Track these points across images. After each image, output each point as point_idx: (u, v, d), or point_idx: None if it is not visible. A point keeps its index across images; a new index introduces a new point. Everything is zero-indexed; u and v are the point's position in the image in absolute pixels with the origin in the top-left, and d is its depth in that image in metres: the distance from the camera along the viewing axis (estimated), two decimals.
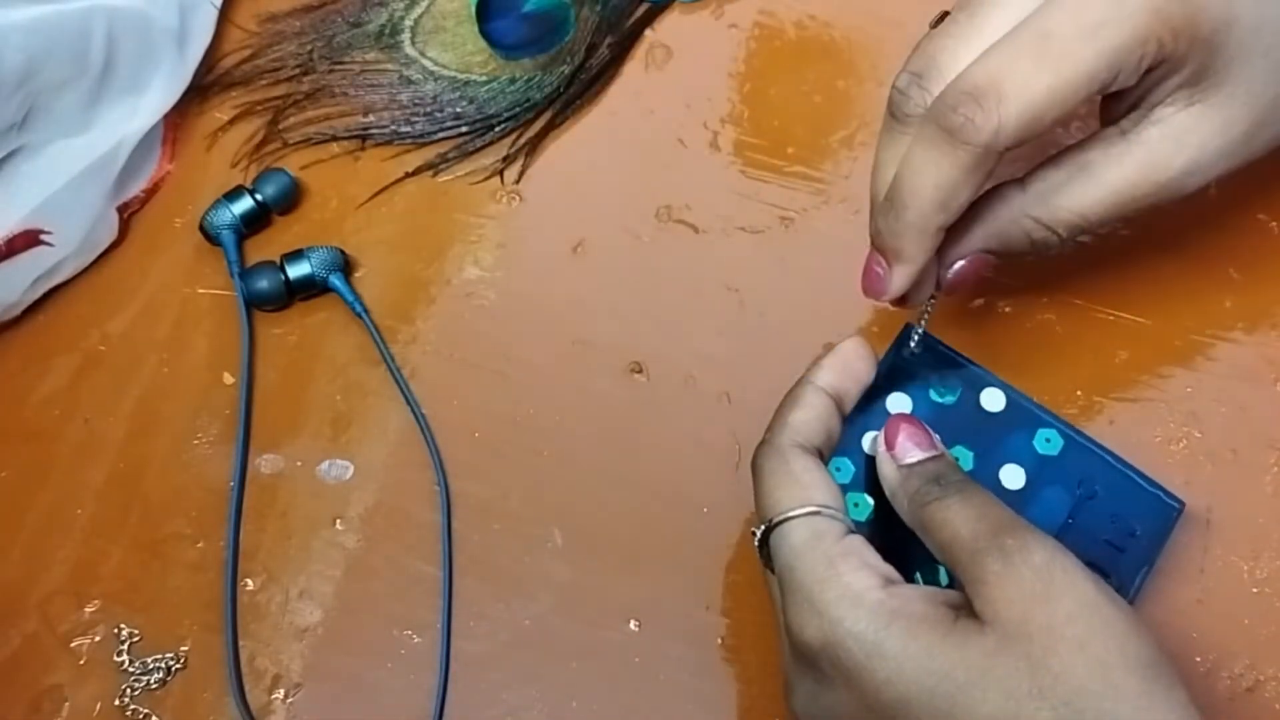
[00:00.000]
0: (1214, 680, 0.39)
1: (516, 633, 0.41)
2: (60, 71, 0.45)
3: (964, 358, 0.39)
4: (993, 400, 0.39)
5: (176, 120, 0.50)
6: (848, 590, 0.31)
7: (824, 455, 0.36)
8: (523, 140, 0.50)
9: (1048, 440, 0.38)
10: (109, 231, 0.48)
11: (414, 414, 0.44)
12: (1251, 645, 0.39)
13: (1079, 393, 0.43)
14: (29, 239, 0.45)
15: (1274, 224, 0.46)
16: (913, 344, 0.39)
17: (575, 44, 0.51)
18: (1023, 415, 0.39)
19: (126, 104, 0.48)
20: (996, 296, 0.45)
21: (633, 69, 0.51)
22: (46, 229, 0.45)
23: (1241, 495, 0.41)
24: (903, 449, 0.35)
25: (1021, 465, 0.38)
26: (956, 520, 0.32)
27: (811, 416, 0.35)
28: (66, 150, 0.46)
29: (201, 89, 0.51)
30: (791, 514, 0.33)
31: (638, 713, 0.40)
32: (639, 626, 0.41)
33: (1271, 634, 0.40)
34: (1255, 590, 0.40)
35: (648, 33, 0.52)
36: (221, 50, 0.52)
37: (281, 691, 0.41)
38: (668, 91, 0.51)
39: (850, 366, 0.37)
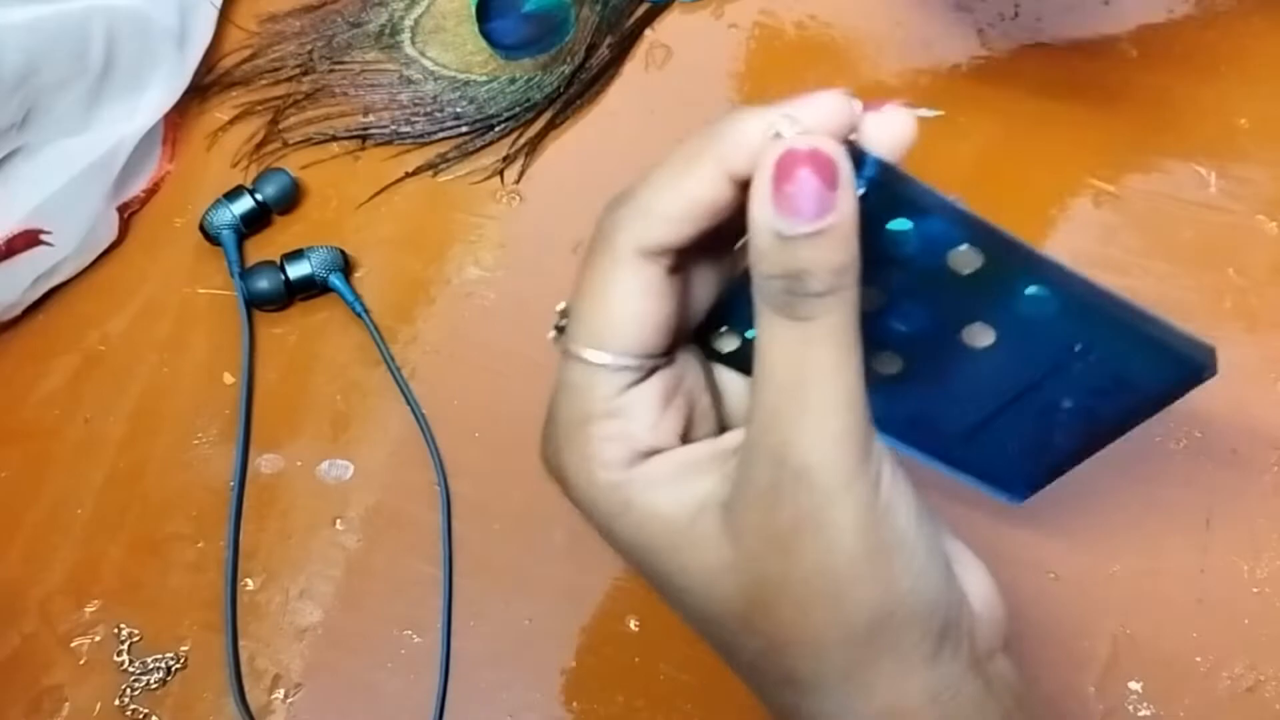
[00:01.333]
0: (1214, 680, 0.39)
1: (517, 632, 0.41)
2: (60, 71, 0.45)
3: (934, 193, 0.28)
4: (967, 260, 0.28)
5: (176, 120, 0.50)
6: (588, 460, 0.27)
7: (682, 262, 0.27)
8: (523, 140, 0.50)
9: (1037, 299, 0.28)
10: (109, 231, 0.48)
11: (414, 414, 0.44)
12: (1252, 645, 0.39)
13: None
14: (29, 239, 0.45)
15: (1273, 224, 0.46)
16: (862, 179, 0.26)
17: (575, 44, 0.51)
18: (1003, 268, 0.28)
19: (126, 104, 0.48)
20: None
21: (633, 69, 0.51)
22: (46, 229, 0.45)
23: (1241, 495, 0.41)
24: (791, 202, 0.24)
25: (993, 325, 0.28)
26: (772, 362, 0.25)
27: (696, 198, 0.26)
28: (66, 150, 0.46)
29: (201, 89, 0.51)
30: (579, 352, 0.27)
31: (638, 713, 0.40)
32: (639, 626, 0.41)
33: (1272, 634, 0.39)
34: (1255, 590, 0.40)
35: (648, 33, 0.52)
36: (221, 50, 0.52)
37: (281, 691, 0.40)
38: (668, 91, 0.50)
39: (824, 119, 0.26)
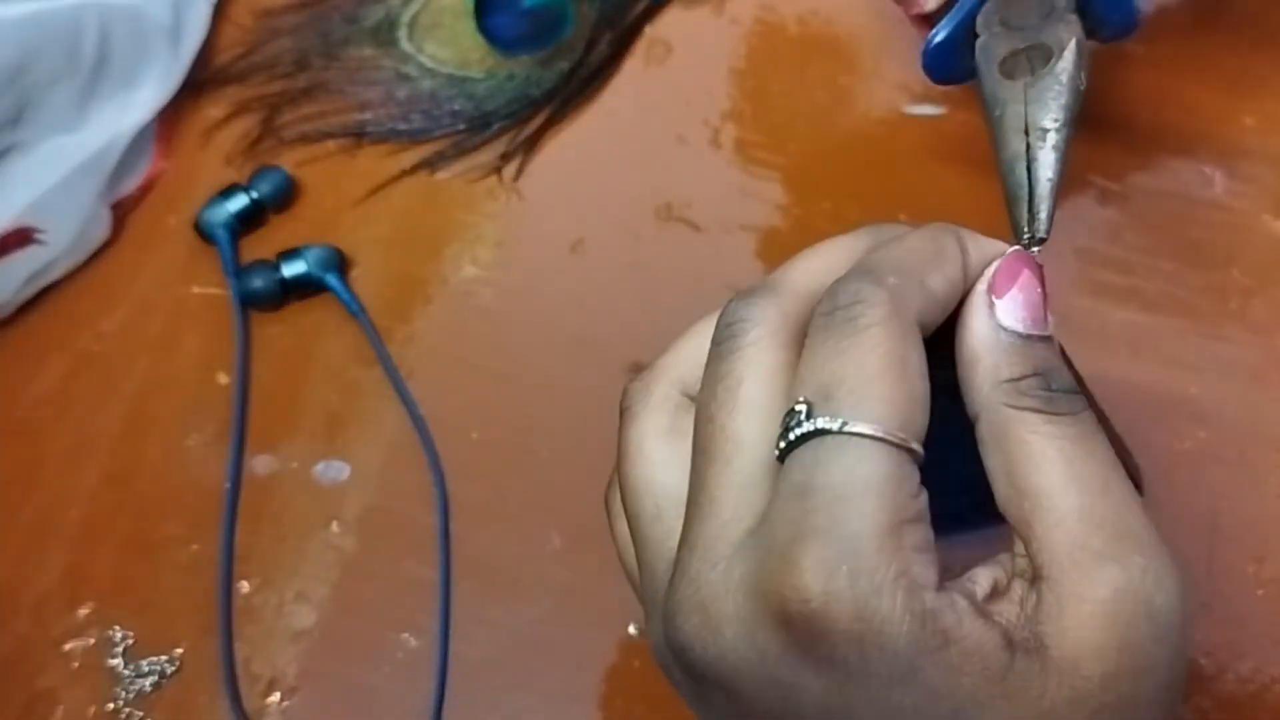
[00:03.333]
0: (1220, 682, 0.39)
1: (515, 636, 0.41)
2: (52, 68, 0.45)
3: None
4: None
5: (170, 117, 0.50)
6: (903, 576, 0.22)
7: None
8: (521, 137, 0.49)
9: None
10: (102, 230, 0.47)
11: (411, 415, 0.44)
12: (1258, 647, 0.39)
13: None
14: (21, 237, 0.45)
15: (1279, 224, 0.46)
16: None
17: (574, 40, 0.51)
18: None
19: (119, 101, 0.47)
20: None
21: (632, 65, 0.51)
22: (39, 227, 0.45)
23: (1248, 497, 0.41)
24: (1011, 305, 0.25)
25: None
26: (1057, 469, 0.23)
27: (958, 283, 0.26)
28: (59, 148, 0.46)
29: (196, 85, 0.50)
30: (877, 433, 0.22)
31: (638, 718, 0.39)
32: (639, 630, 0.41)
33: (1278, 636, 0.39)
34: (1261, 592, 0.40)
35: (647, 28, 0.52)
36: (216, 46, 0.52)
37: (277, 695, 0.40)
38: (668, 88, 0.50)
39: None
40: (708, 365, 0.26)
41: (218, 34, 0.52)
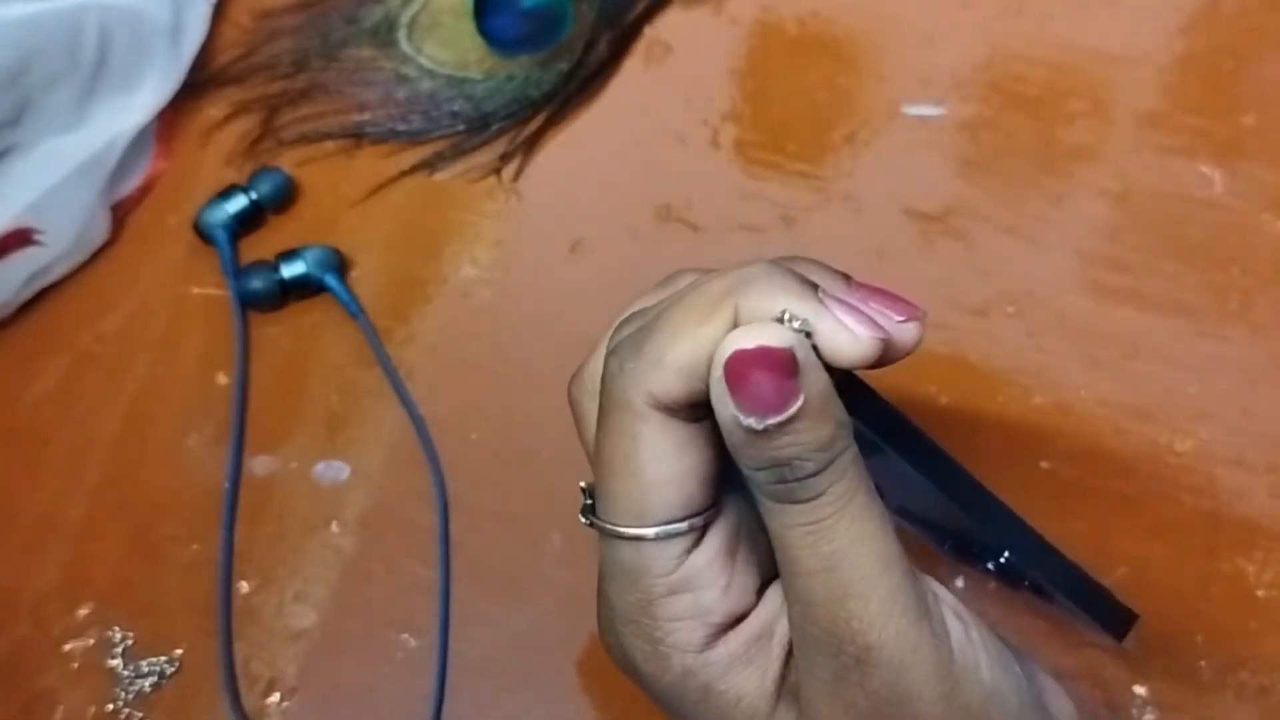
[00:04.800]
0: (1220, 685, 0.38)
1: (515, 637, 0.41)
2: (52, 68, 0.45)
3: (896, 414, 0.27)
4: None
5: (170, 118, 0.50)
6: (659, 644, 0.25)
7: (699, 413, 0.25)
8: (520, 138, 0.49)
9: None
10: (101, 230, 0.47)
11: (410, 415, 0.44)
12: (1258, 649, 0.39)
13: (1083, 393, 0.43)
14: (21, 238, 0.45)
15: (1279, 224, 0.46)
16: None
17: (573, 41, 0.51)
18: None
19: (119, 101, 0.47)
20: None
21: (632, 66, 0.51)
22: (38, 228, 0.45)
23: (1248, 498, 0.41)
24: (744, 400, 0.23)
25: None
26: (797, 555, 0.24)
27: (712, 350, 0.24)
28: (58, 148, 0.46)
29: (195, 86, 0.50)
30: (620, 530, 0.25)
31: (637, 718, 0.39)
32: None
33: (1278, 636, 0.39)
34: (1261, 593, 0.40)
35: (647, 29, 0.51)
36: (216, 47, 0.51)
37: (277, 696, 0.40)
38: (667, 88, 0.50)
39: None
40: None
41: (218, 34, 0.52)
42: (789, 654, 0.25)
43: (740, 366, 0.23)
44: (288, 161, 0.49)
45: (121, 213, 0.48)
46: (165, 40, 0.48)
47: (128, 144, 0.47)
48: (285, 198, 0.48)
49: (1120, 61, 0.49)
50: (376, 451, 0.44)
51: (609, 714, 0.40)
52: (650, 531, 0.24)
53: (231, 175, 0.49)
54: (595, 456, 0.26)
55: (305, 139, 0.50)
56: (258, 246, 0.47)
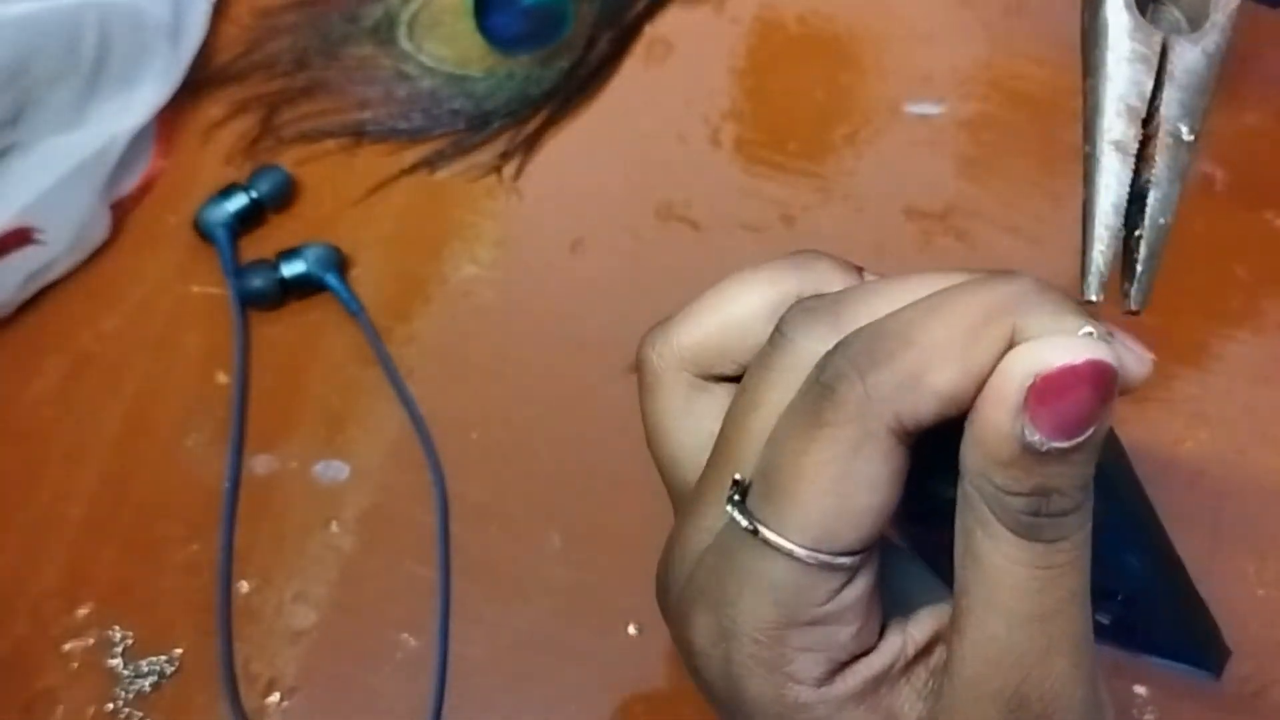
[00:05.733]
0: (1221, 684, 0.38)
1: (514, 636, 0.41)
2: (52, 67, 0.45)
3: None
4: None
5: (170, 116, 0.50)
6: (777, 671, 0.23)
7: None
8: (521, 136, 0.49)
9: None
10: (101, 229, 0.47)
11: (410, 414, 0.44)
12: (1259, 648, 0.39)
13: None
14: (20, 237, 0.45)
15: None
16: None
17: (574, 39, 0.51)
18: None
19: (119, 100, 0.47)
20: None
21: (632, 64, 0.51)
22: (38, 227, 0.45)
23: (1249, 496, 0.41)
24: (1047, 415, 0.21)
25: None
26: (1005, 596, 0.22)
27: (983, 375, 0.22)
28: (58, 147, 0.46)
29: (195, 84, 0.50)
30: (797, 549, 0.22)
31: (637, 719, 0.39)
32: (639, 630, 0.40)
33: (1278, 636, 0.39)
34: (1262, 592, 0.40)
35: (647, 27, 0.51)
36: (216, 45, 0.51)
37: (276, 695, 0.40)
38: (668, 87, 0.50)
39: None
40: (752, 361, 0.25)
41: (217, 33, 0.51)
42: (902, 698, 0.24)
43: (1060, 384, 0.21)
44: (288, 160, 0.49)
45: (121, 212, 0.48)
46: (165, 39, 0.48)
47: (127, 143, 0.47)
48: (285, 196, 0.48)
49: None
50: (376, 451, 0.44)
51: (610, 713, 0.40)
52: (830, 559, 0.22)
53: (231, 174, 0.49)
54: (778, 458, 0.22)
55: (305, 137, 0.50)
56: (258, 245, 0.47)
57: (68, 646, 0.41)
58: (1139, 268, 0.23)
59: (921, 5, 0.51)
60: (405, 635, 0.41)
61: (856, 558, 0.22)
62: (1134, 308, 0.24)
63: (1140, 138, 0.22)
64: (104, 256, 0.48)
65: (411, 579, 0.41)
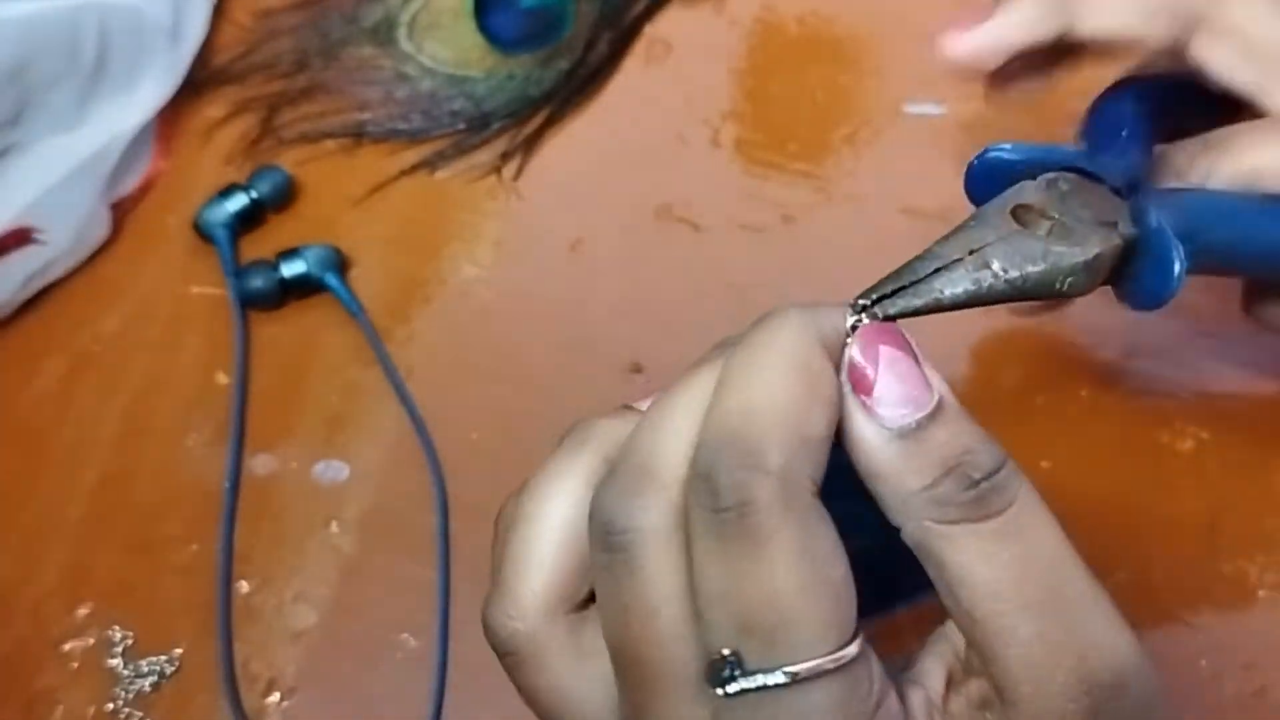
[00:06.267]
0: (1220, 684, 0.38)
1: None
2: (52, 67, 0.45)
3: None
4: None
5: (170, 117, 0.50)
6: None
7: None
8: (521, 137, 0.49)
9: None
10: (101, 229, 0.47)
11: (410, 415, 0.44)
12: (1258, 648, 0.39)
13: (1084, 393, 0.43)
14: (20, 237, 0.45)
15: None
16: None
17: (574, 39, 0.51)
18: None
19: (119, 100, 0.47)
20: None
21: (632, 65, 0.51)
22: (38, 227, 0.45)
23: (1248, 497, 0.41)
24: (885, 395, 0.21)
25: None
26: (1002, 589, 0.21)
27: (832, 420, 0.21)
28: (58, 147, 0.46)
29: (195, 85, 0.50)
30: (825, 665, 0.20)
31: None
32: None
33: (1278, 636, 0.39)
34: (1262, 593, 0.40)
35: (647, 28, 0.51)
36: (216, 46, 0.51)
37: (276, 696, 0.40)
38: (668, 88, 0.50)
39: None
40: (600, 585, 0.22)
41: (217, 34, 0.51)
42: (962, 708, 0.23)
43: (870, 355, 0.21)
44: (288, 160, 0.49)
45: (121, 212, 0.48)
46: (165, 39, 0.48)
47: (127, 143, 0.47)
48: (285, 197, 0.48)
49: (1121, 60, 0.49)
50: (376, 451, 0.44)
51: None
52: (854, 648, 0.21)
53: (231, 174, 0.49)
54: (774, 593, 0.20)
55: (305, 138, 0.50)
56: (258, 245, 0.47)
57: (68, 646, 0.41)
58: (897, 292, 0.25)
59: (921, 5, 0.51)
60: (405, 635, 0.41)
61: (861, 643, 0.21)
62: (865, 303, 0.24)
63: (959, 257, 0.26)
64: (104, 256, 0.48)
65: (411, 579, 0.41)
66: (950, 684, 0.23)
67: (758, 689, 0.20)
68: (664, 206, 0.47)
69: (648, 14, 0.52)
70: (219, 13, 0.51)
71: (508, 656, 0.24)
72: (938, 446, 0.21)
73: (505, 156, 0.49)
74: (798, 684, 0.20)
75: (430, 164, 0.49)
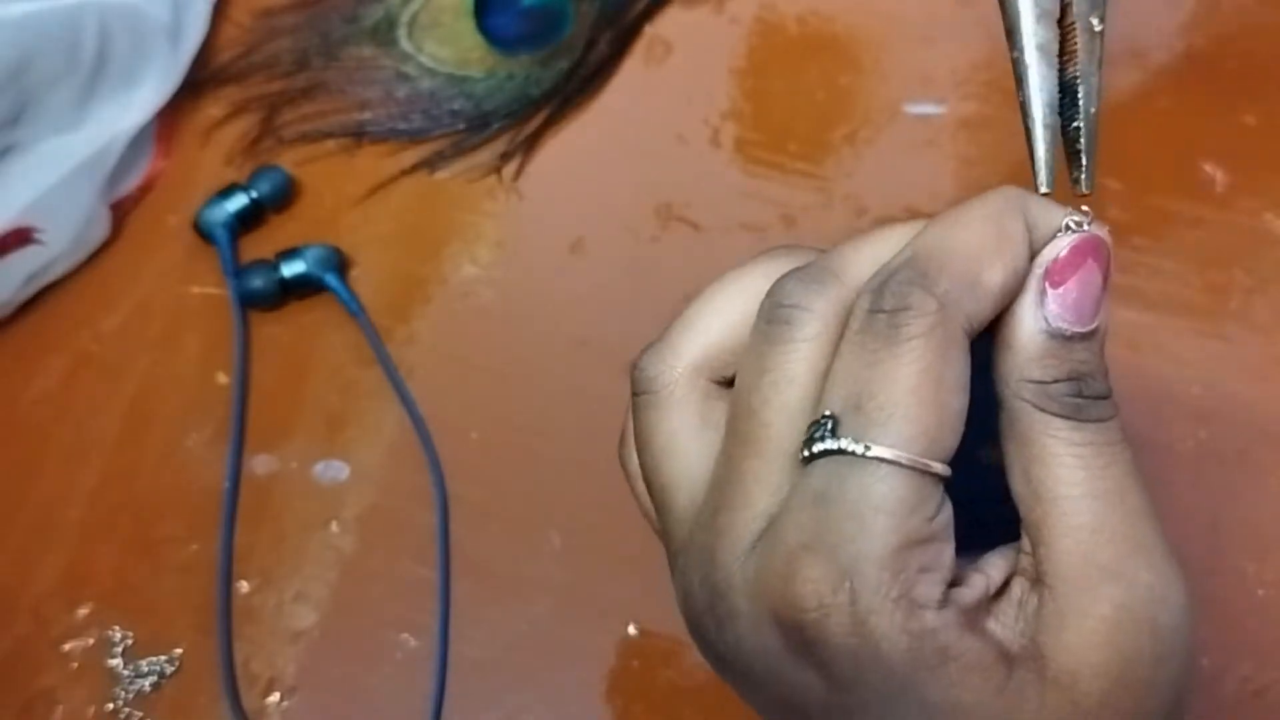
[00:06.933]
0: (1221, 683, 0.38)
1: (514, 636, 0.41)
2: (52, 67, 0.45)
3: None
4: None
5: (170, 116, 0.50)
6: (904, 598, 0.22)
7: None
8: (521, 137, 0.49)
9: None
10: (101, 229, 0.47)
11: (410, 415, 0.44)
12: (1258, 648, 0.39)
13: None
14: (21, 237, 0.45)
15: None
16: None
17: (574, 39, 0.51)
18: None
19: (119, 100, 0.47)
20: None
21: (632, 64, 0.51)
22: (38, 227, 0.45)
23: (1248, 496, 0.41)
24: (1064, 299, 0.23)
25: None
26: (1075, 479, 0.23)
27: (1020, 273, 0.24)
28: (58, 147, 0.46)
29: (195, 85, 0.50)
30: (899, 458, 0.22)
31: (637, 719, 0.39)
32: (638, 630, 0.40)
33: (1278, 636, 0.39)
34: (1262, 592, 0.40)
35: (647, 28, 0.51)
36: (216, 45, 0.51)
37: (276, 695, 0.40)
38: (668, 87, 0.50)
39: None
40: (754, 347, 0.25)
41: (217, 34, 0.51)
42: (1003, 627, 0.24)
43: (1076, 262, 0.23)
44: (288, 160, 0.49)
45: (121, 212, 0.48)
46: (165, 39, 0.48)
47: (127, 143, 0.47)
48: (285, 197, 0.48)
49: (1120, 60, 0.49)
50: (376, 451, 0.44)
51: (610, 713, 0.39)
52: (939, 467, 0.22)
53: (231, 174, 0.49)
54: (860, 371, 0.23)
55: (305, 138, 0.50)
56: (258, 245, 0.47)
57: (68, 646, 0.41)
58: (1082, 157, 0.26)
59: (921, 5, 0.51)
60: (405, 635, 0.41)
61: (948, 467, 0.23)
62: (1084, 190, 0.26)
63: (1059, 38, 0.25)
64: (104, 257, 0.48)
65: (411, 579, 0.41)
66: (1008, 581, 0.24)
67: (838, 451, 0.22)
68: (664, 206, 0.47)
69: (648, 14, 0.52)
70: (219, 12, 0.51)
71: (645, 395, 0.26)
72: (1071, 357, 0.23)
73: (505, 156, 0.49)
74: (872, 462, 0.22)
75: (430, 164, 0.49)
